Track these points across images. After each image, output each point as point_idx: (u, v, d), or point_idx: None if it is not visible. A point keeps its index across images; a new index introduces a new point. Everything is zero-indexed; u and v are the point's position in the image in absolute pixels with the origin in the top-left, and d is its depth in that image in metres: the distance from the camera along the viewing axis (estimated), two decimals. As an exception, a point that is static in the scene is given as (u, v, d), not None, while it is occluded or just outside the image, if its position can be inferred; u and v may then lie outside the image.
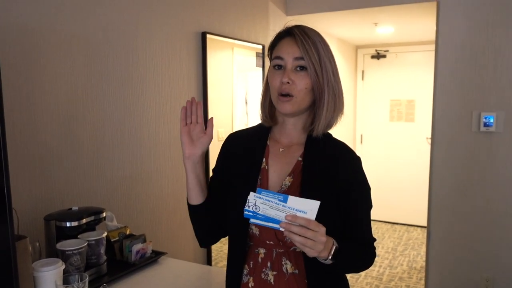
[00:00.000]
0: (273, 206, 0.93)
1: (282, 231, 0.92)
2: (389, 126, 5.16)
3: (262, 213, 0.93)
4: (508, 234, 2.59)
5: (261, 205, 0.94)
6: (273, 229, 1.06)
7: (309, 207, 0.92)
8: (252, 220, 0.94)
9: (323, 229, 0.92)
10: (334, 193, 1.07)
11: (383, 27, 3.99)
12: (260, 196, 0.94)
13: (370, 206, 1.14)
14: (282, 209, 0.92)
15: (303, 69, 1.05)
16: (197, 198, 1.12)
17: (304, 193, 1.05)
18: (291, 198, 0.93)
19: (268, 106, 1.16)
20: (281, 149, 1.14)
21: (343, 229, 1.09)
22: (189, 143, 1.09)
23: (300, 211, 0.92)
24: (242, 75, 2.94)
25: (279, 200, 0.93)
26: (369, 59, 5.23)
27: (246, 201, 0.94)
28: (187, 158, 1.10)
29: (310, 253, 0.93)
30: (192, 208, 1.14)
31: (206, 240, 1.24)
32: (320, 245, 0.92)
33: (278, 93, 1.07)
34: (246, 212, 0.94)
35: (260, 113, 1.19)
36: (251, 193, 0.95)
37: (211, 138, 1.12)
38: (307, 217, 0.91)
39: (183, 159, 1.11)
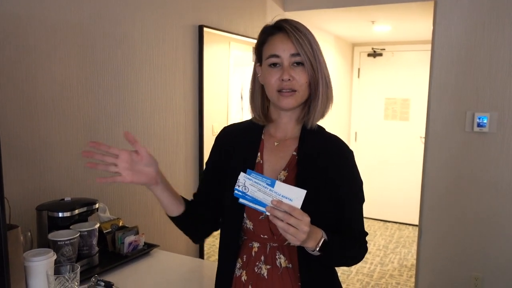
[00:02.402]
0: (261, 189, 0.93)
1: (276, 226, 0.92)
2: (384, 124, 5.18)
3: (250, 195, 0.94)
4: (498, 234, 2.62)
5: (250, 186, 0.94)
6: (268, 224, 1.06)
7: (295, 195, 0.92)
8: (240, 200, 0.95)
9: (307, 219, 0.92)
10: (327, 187, 1.08)
11: (380, 25, 3.99)
12: (249, 177, 0.95)
13: (363, 200, 1.15)
14: (269, 193, 0.93)
15: (300, 64, 1.06)
16: (177, 209, 1.09)
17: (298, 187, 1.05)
18: (278, 184, 0.93)
19: (260, 105, 1.15)
20: (276, 143, 1.15)
21: (336, 222, 1.09)
22: (144, 176, 1.03)
23: (286, 198, 0.92)
24: (238, 70, 2.93)
25: (267, 184, 0.93)
26: (365, 57, 5.24)
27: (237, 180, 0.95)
28: (151, 187, 1.05)
29: (292, 240, 0.93)
30: (175, 220, 1.12)
31: (198, 237, 1.24)
32: (302, 234, 0.91)
33: (277, 90, 1.07)
34: (236, 192, 0.95)
35: (251, 113, 1.18)
36: (241, 173, 0.95)
37: (148, 153, 1.05)
38: (293, 204, 0.92)
39: (149, 189, 1.05)
